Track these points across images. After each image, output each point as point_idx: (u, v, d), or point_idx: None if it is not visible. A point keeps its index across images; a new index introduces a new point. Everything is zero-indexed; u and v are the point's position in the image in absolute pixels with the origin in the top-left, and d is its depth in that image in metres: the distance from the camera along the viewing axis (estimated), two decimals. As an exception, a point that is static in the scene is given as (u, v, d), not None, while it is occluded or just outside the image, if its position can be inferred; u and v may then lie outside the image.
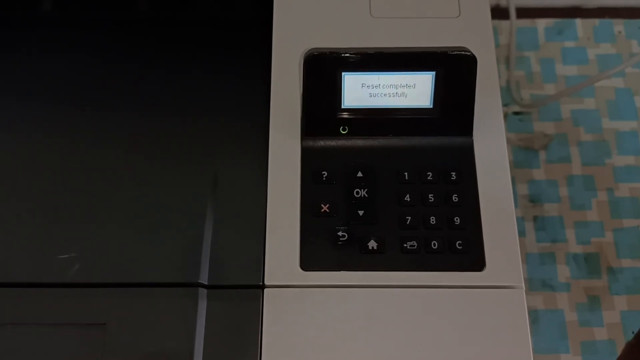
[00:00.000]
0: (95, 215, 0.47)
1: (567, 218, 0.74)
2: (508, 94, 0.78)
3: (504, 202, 0.47)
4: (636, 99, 0.78)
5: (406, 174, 0.47)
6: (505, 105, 0.78)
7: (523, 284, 0.45)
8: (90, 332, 0.43)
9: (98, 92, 0.52)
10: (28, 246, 0.46)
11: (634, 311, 0.71)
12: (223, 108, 0.51)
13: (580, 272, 0.72)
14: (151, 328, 0.43)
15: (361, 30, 0.51)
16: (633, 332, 0.67)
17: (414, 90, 0.47)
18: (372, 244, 0.46)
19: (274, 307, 0.44)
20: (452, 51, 0.46)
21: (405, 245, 0.46)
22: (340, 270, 0.45)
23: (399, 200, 0.47)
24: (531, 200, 0.75)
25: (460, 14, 0.52)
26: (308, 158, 0.48)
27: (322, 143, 0.48)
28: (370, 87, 0.47)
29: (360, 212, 0.47)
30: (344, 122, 0.48)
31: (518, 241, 0.46)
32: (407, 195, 0.47)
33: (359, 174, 0.48)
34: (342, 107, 0.48)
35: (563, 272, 0.72)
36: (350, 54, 0.46)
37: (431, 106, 0.48)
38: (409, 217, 0.46)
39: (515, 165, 0.76)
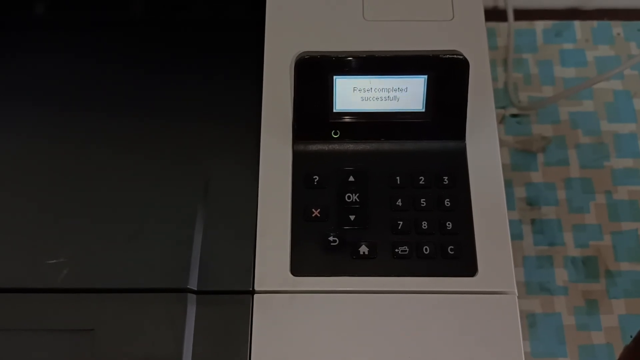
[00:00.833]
0: (84, 219, 0.47)
1: (565, 221, 0.73)
2: (506, 96, 0.78)
3: (496, 207, 0.47)
4: (635, 102, 0.78)
5: (398, 178, 0.47)
6: (503, 107, 0.78)
7: (516, 290, 0.45)
8: (78, 338, 0.43)
9: (88, 95, 0.52)
10: (16, 251, 0.46)
11: (632, 315, 0.70)
12: (214, 112, 0.51)
13: (578, 276, 0.71)
14: (140, 334, 0.43)
15: (354, 33, 0.51)
16: (631, 336, 0.67)
17: (406, 94, 0.47)
18: (364, 249, 0.45)
19: (264, 313, 0.44)
20: (444, 55, 0.46)
21: (396, 250, 0.45)
22: (331, 276, 0.45)
23: (390, 205, 0.47)
24: (529, 203, 0.74)
25: (453, 17, 0.52)
26: (299, 162, 0.48)
27: (313, 147, 0.48)
28: (362, 90, 0.47)
29: (352, 217, 0.46)
30: (336, 126, 0.48)
31: (511, 246, 0.46)
32: (399, 200, 0.47)
33: (351, 179, 0.47)
34: (334, 111, 0.48)
35: (561, 275, 0.72)
36: (341, 57, 0.46)
37: (423, 110, 0.47)
38: (401, 222, 0.46)
39: (513, 167, 0.76)
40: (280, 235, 0.46)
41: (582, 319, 0.70)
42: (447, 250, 0.45)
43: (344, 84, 0.47)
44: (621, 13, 0.80)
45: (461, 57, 0.46)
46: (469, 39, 0.50)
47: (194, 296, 0.44)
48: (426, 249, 0.45)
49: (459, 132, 0.48)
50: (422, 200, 0.47)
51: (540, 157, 0.76)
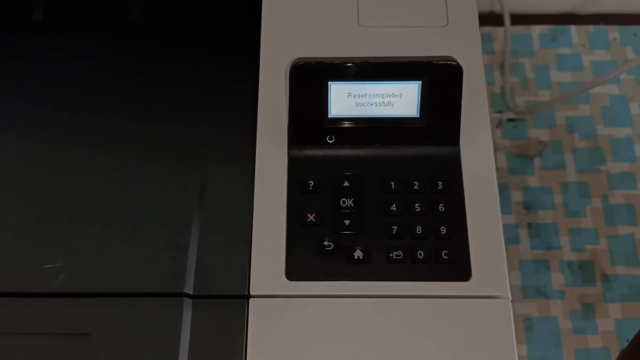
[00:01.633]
0: (81, 224, 0.47)
1: (562, 225, 0.73)
2: (502, 101, 0.78)
3: (490, 212, 0.47)
4: (631, 106, 0.78)
5: (392, 183, 0.47)
6: (499, 111, 0.78)
7: (509, 294, 0.45)
8: (75, 342, 0.43)
9: (85, 100, 0.52)
10: (13, 255, 0.46)
11: (628, 319, 0.70)
12: (210, 117, 0.51)
13: (574, 280, 0.71)
14: (136, 338, 0.43)
15: (349, 39, 0.51)
16: (628, 340, 0.67)
17: (400, 99, 0.47)
18: (358, 254, 0.46)
19: (260, 317, 0.44)
20: (437, 61, 0.46)
21: (391, 254, 0.46)
22: (326, 280, 0.45)
23: (385, 210, 0.47)
24: (525, 207, 0.74)
25: (448, 23, 0.52)
26: (295, 167, 0.48)
27: (308, 152, 0.48)
28: (357, 96, 0.47)
29: (347, 222, 0.46)
30: (331, 131, 0.48)
31: (504, 251, 0.46)
32: (394, 205, 0.47)
33: (346, 184, 0.48)
34: (329, 116, 0.48)
35: (557, 279, 0.72)
36: (336, 63, 0.46)
37: (418, 115, 0.48)
38: (395, 227, 0.46)
39: (509, 172, 0.76)
40: (275, 240, 0.46)
41: (579, 322, 0.70)
42: (441, 254, 0.45)
43: (338, 89, 0.47)
44: (617, 18, 0.81)
45: (455, 63, 0.46)
46: (463, 45, 0.51)
47: (190, 300, 0.44)
48: (420, 254, 0.46)
49: (453, 138, 0.48)
50: (416, 205, 0.47)
51: (537, 162, 0.76)
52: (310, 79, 0.47)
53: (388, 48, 0.51)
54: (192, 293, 0.45)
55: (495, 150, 0.76)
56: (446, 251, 0.46)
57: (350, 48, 0.51)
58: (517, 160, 0.76)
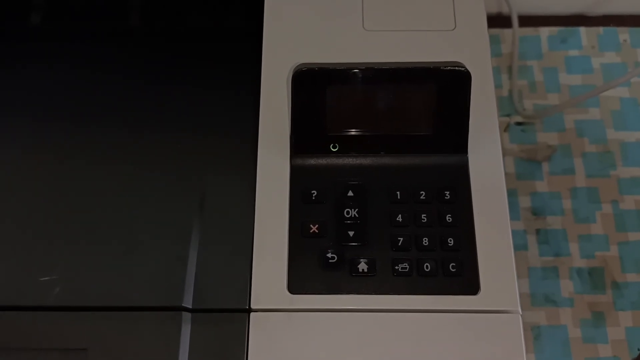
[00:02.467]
0: (78, 236, 0.46)
1: (571, 231, 0.72)
2: (510, 104, 0.77)
3: (499, 223, 0.46)
4: (642, 109, 0.76)
5: (398, 193, 0.46)
6: (507, 115, 0.77)
7: (519, 309, 0.44)
8: (71, 357, 0.42)
9: (83, 107, 0.51)
10: (8, 268, 0.45)
11: (639, 327, 0.69)
12: (211, 125, 0.50)
13: (584, 287, 0.70)
14: (134, 353, 0.42)
15: (354, 44, 0.50)
16: (638, 349, 0.66)
17: (406, 106, 0.46)
18: (363, 266, 0.45)
19: (261, 332, 0.43)
20: (445, 66, 0.45)
21: (397, 267, 0.45)
22: (329, 294, 0.44)
23: (390, 221, 0.46)
24: (534, 213, 0.73)
25: (455, 27, 0.51)
26: (297, 177, 0.47)
27: (311, 161, 0.47)
28: (361, 103, 0.46)
29: (351, 233, 0.45)
30: (334, 139, 0.47)
31: (514, 263, 0.45)
32: (399, 216, 0.46)
33: (350, 193, 0.47)
34: (332, 124, 0.47)
35: (566, 287, 0.71)
36: (339, 69, 0.45)
37: (424, 123, 0.47)
38: (401, 238, 0.45)
39: (517, 177, 0.75)
40: (277, 252, 0.45)
41: (589, 331, 0.69)
42: (449, 267, 0.44)
43: (342, 96, 0.46)
44: (628, 19, 0.79)
45: (463, 69, 0.45)
46: (471, 49, 0.50)
47: (189, 314, 0.44)
48: (427, 266, 0.44)
49: (461, 146, 0.47)
50: (423, 215, 0.46)
51: (546, 166, 0.75)
52: (313, 86, 0.46)
53: (394, 53, 0.49)
54: (191, 307, 0.44)
55: (503, 155, 0.75)
56: (454, 264, 0.44)
57: (355, 53, 0.50)
58: (525, 165, 0.75)
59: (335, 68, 0.45)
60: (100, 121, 0.50)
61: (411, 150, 0.47)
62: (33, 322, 0.43)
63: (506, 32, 0.79)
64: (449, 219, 0.46)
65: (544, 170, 0.74)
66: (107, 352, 0.42)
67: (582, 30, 0.79)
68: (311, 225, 0.46)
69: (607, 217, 0.72)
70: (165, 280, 0.44)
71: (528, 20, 0.79)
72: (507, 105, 0.77)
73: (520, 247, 0.72)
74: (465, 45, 0.50)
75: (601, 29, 0.79)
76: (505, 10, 0.79)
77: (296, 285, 0.44)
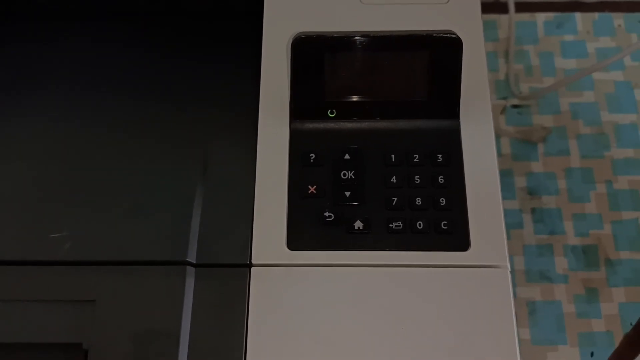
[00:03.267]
0: (87, 195, 0.48)
1: (566, 210, 0.74)
2: (507, 87, 0.78)
3: (489, 184, 0.47)
4: (636, 92, 0.78)
5: (393, 156, 0.48)
6: (504, 98, 0.78)
7: (508, 264, 0.45)
8: (80, 308, 0.44)
9: (91, 78, 0.53)
10: (21, 225, 0.47)
11: (632, 303, 0.71)
12: (213, 92, 0.52)
13: (578, 264, 0.72)
14: (140, 305, 0.44)
15: (351, 17, 0.52)
16: (631, 324, 0.67)
17: (400, 73, 0.48)
18: (359, 224, 0.46)
19: (261, 286, 0.45)
20: (437, 34, 0.47)
21: (391, 225, 0.46)
22: (326, 250, 0.46)
23: (385, 182, 0.47)
24: (529, 193, 0.75)
25: (448, 0, 0.52)
26: (296, 141, 0.49)
27: (310, 126, 0.49)
28: (357, 70, 0.48)
29: (347, 194, 0.47)
30: (332, 105, 0.49)
31: (503, 222, 0.46)
32: (394, 177, 0.47)
33: (346, 157, 0.48)
34: (330, 90, 0.49)
35: (561, 263, 0.72)
36: (337, 37, 0.47)
37: (418, 89, 0.48)
38: (395, 198, 0.47)
39: (513, 157, 0.76)
40: (277, 211, 0.47)
41: (582, 307, 0.70)
42: (440, 225, 0.46)
43: (339, 63, 0.48)
44: (622, 5, 0.81)
45: (454, 36, 0.47)
46: (464, 21, 0.51)
47: (193, 269, 0.45)
48: (420, 224, 0.46)
49: (453, 111, 0.49)
50: (416, 177, 0.47)
51: (541, 147, 0.76)
52: (311, 53, 0.47)
53: (389, 25, 0.51)
54: (195, 262, 0.45)
55: (500, 136, 0.76)
56: (445, 222, 0.46)
57: (352, 25, 0.51)
58: (521, 146, 0.76)
59: (332, 36, 0.47)
60: (109, 91, 0.52)
61: (405, 116, 0.49)
62: (44, 276, 0.45)
63: (503, 18, 0.81)
64: (440, 180, 0.47)
65: (539, 151, 0.76)
66: (115, 304, 0.44)
67: (578, 15, 0.81)
68: (309, 186, 0.47)
69: (601, 196, 0.74)
70: (171, 237, 0.46)
71: (524, 6, 0.81)
72: (503, 88, 0.79)
73: (516, 225, 0.73)
74: (458, 17, 0.51)
75: (596, 15, 0.81)
76: (502, -4, 0.81)
77: (295, 242, 0.46)
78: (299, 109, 0.49)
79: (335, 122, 0.49)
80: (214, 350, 0.43)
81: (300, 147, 0.48)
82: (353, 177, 0.48)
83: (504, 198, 0.48)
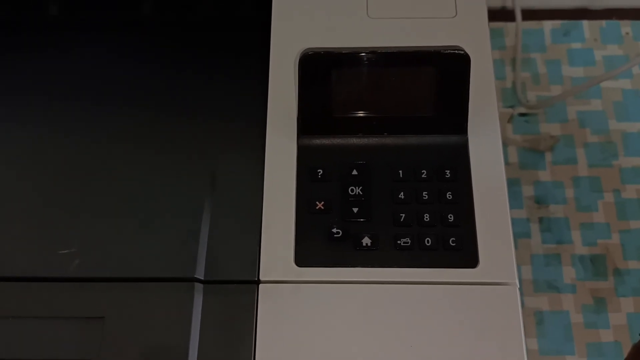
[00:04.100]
0: (95, 211, 0.48)
1: (573, 219, 0.73)
2: (514, 96, 0.78)
3: (498, 200, 0.47)
4: (643, 100, 0.78)
5: (400, 171, 0.48)
6: (511, 106, 0.78)
7: (517, 281, 0.45)
8: (89, 325, 0.44)
9: (98, 91, 0.53)
10: (30, 241, 0.47)
11: (640, 313, 0.70)
12: (222, 107, 0.52)
13: (586, 274, 0.71)
14: (148, 321, 0.44)
15: (359, 31, 0.52)
16: None
17: (408, 88, 0.48)
18: (366, 241, 0.46)
19: (269, 302, 0.45)
20: (445, 50, 0.47)
21: (399, 242, 0.46)
22: (334, 267, 0.46)
23: (393, 198, 0.47)
24: (537, 202, 0.74)
25: (456, 14, 0.52)
26: (304, 156, 0.49)
27: (317, 141, 0.49)
28: (365, 86, 0.48)
29: (355, 209, 0.47)
30: (340, 120, 0.49)
31: (512, 238, 0.46)
32: (402, 193, 0.47)
33: (354, 172, 0.48)
34: (338, 106, 0.49)
35: (569, 273, 0.72)
36: (344, 53, 0.47)
37: (426, 105, 0.48)
38: (403, 214, 0.47)
39: (520, 166, 0.76)
40: (285, 227, 0.47)
41: (590, 317, 0.70)
42: (449, 242, 0.46)
43: (347, 79, 0.48)
44: (630, 12, 0.81)
45: (462, 52, 0.47)
46: (471, 35, 0.51)
47: (201, 285, 0.45)
48: (428, 241, 0.46)
49: (461, 127, 0.49)
50: (424, 193, 0.47)
51: (548, 156, 0.76)
52: (319, 69, 0.47)
53: (397, 39, 0.51)
54: (203, 278, 0.45)
55: (507, 145, 0.76)
56: (454, 238, 0.46)
57: (359, 40, 0.51)
58: (528, 155, 0.76)
59: (340, 52, 0.47)
60: (116, 104, 0.52)
61: (413, 131, 0.49)
62: (53, 292, 0.45)
63: (510, 26, 0.80)
64: (449, 196, 0.47)
65: (547, 160, 0.75)
66: (123, 320, 0.44)
67: (585, 23, 0.81)
68: (317, 202, 0.47)
69: (608, 205, 0.73)
70: (179, 253, 0.46)
71: (531, 14, 0.80)
72: (510, 96, 0.78)
73: (523, 234, 0.73)
74: (465, 31, 0.51)
75: (603, 22, 0.81)
76: (508, 4, 0.81)
77: (303, 258, 0.46)
78: (306, 125, 0.49)
79: (343, 137, 0.49)
80: (222, 367, 0.43)
81: (307, 162, 0.48)
82: (361, 192, 0.48)
83: (511, 207, 0.48)
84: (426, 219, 0.47)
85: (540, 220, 0.74)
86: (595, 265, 0.72)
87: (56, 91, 0.54)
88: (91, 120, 0.52)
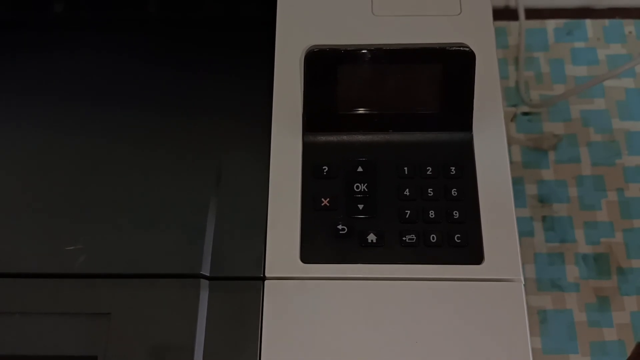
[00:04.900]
0: (102, 208, 0.48)
1: (577, 218, 0.73)
2: (517, 95, 0.78)
3: (503, 197, 0.47)
4: (647, 99, 0.78)
5: (406, 168, 0.48)
6: (514, 105, 0.78)
7: (522, 277, 0.45)
8: (95, 321, 0.44)
9: (104, 89, 0.53)
10: (36, 238, 0.47)
11: (644, 312, 0.70)
12: (227, 105, 0.52)
13: (589, 273, 0.71)
14: (154, 317, 0.44)
15: (363, 28, 0.52)
16: (642, 335, 0.67)
17: (413, 85, 0.48)
18: (372, 237, 0.46)
19: (274, 299, 0.45)
20: (451, 47, 0.47)
21: (404, 238, 0.46)
22: (339, 263, 0.46)
23: (398, 195, 0.47)
24: (540, 201, 0.74)
25: (461, 12, 0.53)
26: (309, 153, 0.49)
27: (323, 138, 0.49)
28: (370, 82, 0.48)
29: (360, 206, 0.47)
30: (345, 117, 0.49)
31: (517, 235, 0.46)
32: (407, 190, 0.47)
33: (359, 169, 0.48)
34: (343, 102, 0.49)
35: (572, 272, 0.72)
36: (350, 50, 0.47)
37: (431, 102, 0.48)
38: (408, 211, 0.47)
39: (524, 165, 0.76)
40: (290, 224, 0.47)
41: (594, 315, 0.70)
42: (454, 238, 0.46)
43: (352, 76, 0.48)
44: (633, 11, 0.81)
45: (467, 49, 0.47)
46: (476, 32, 0.51)
47: (207, 282, 0.45)
48: (433, 237, 0.46)
49: (466, 123, 0.49)
50: (429, 189, 0.47)
51: (552, 155, 0.76)
52: (324, 66, 0.48)
53: (402, 37, 0.51)
54: (208, 275, 0.46)
55: (510, 144, 0.76)
56: (459, 235, 0.46)
57: (364, 37, 0.51)
58: (531, 154, 0.76)
59: (345, 49, 0.47)
60: (122, 102, 0.52)
61: (418, 128, 0.49)
62: (60, 289, 0.45)
63: (513, 25, 0.80)
64: (454, 193, 0.47)
65: (550, 158, 0.75)
66: (130, 317, 0.44)
67: (588, 22, 0.81)
68: (322, 199, 0.47)
69: (612, 204, 0.73)
70: (185, 250, 0.46)
71: (534, 13, 0.80)
72: (514, 95, 0.78)
73: (526, 233, 0.73)
74: (470, 28, 0.51)
75: (607, 21, 0.81)
76: (512, 3, 0.81)
77: (308, 254, 0.46)
78: (311, 122, 0.49)
79: (348, 134, 0.49)
80: (228, 363, 0.43)
81: (313, 159, 0.49)
82: (366, 189, 0.48)
83: (514, 206, 0.48)
84: (431, 215, 0.47)
85: (544, 219, 0.74)
86: (599, 264, 0.72)
87: (61, 89, 0.54)
88: (98, 117, 0.52)
